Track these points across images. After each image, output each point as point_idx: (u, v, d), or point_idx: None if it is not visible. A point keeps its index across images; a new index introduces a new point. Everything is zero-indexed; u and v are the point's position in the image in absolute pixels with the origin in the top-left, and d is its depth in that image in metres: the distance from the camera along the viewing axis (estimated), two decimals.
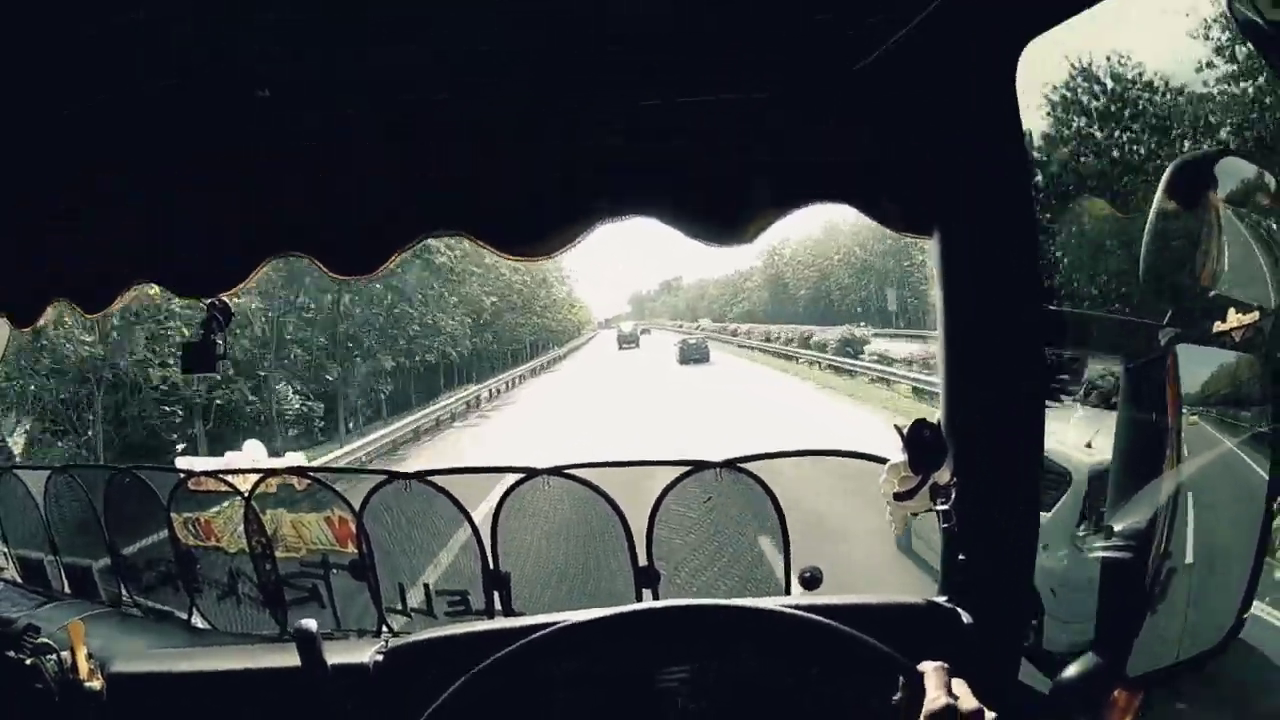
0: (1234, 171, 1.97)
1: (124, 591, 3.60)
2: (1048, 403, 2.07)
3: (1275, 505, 1.81)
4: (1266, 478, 1.80)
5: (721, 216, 2.20)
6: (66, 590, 3.63)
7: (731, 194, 2.18)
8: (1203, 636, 1.87)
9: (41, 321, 2.73)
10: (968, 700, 1.34)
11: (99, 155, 2.35)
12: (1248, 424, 1.89)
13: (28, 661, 2.34)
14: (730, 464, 2.88)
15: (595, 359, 51.75)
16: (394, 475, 3.28)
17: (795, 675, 1.80)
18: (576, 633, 1.68)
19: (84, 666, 2.35)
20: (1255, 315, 1.87)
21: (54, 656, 2.35)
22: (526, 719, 1.81)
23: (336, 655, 2.11)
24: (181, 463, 3.72)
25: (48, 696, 2.32)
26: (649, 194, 2.22)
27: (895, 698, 1.41)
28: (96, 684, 2.34)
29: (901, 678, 1.42)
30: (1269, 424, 1.81)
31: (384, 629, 3.18)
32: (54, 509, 3.69)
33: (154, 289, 2.83)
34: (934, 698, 1.34)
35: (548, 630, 1.66)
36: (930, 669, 1.38)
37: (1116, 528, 1.96)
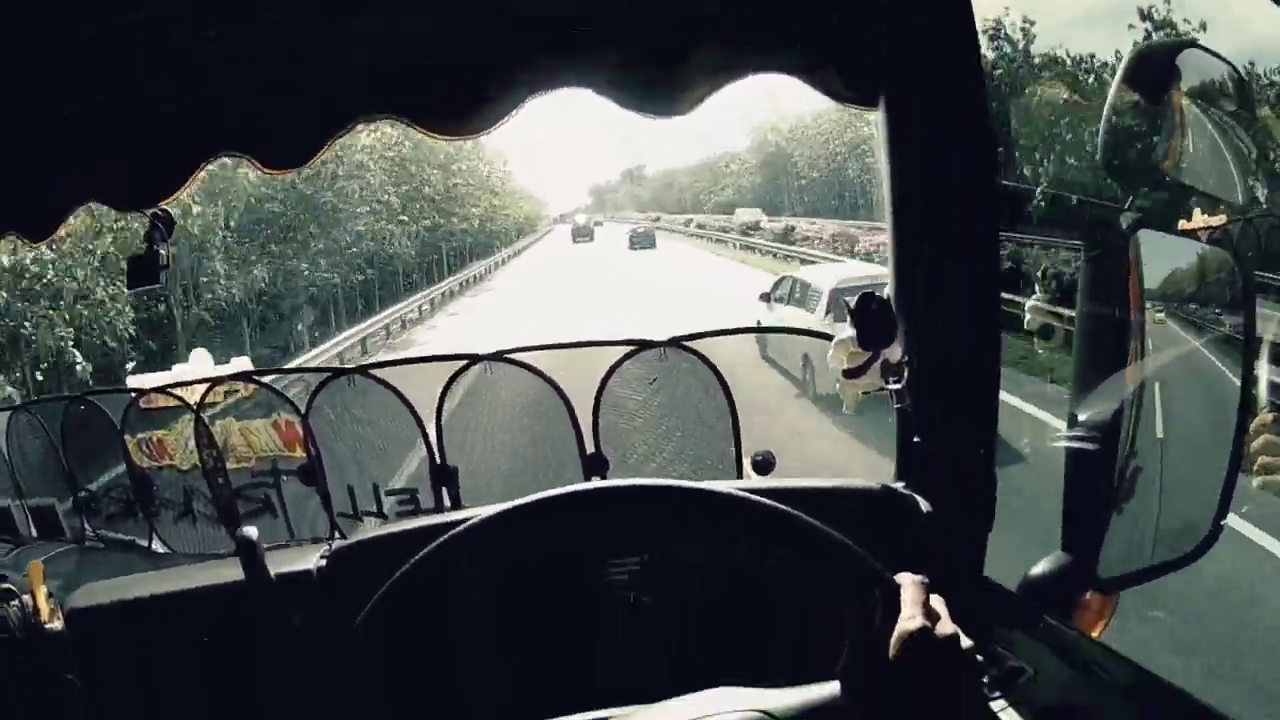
0: (1197, 64, 1.80)
1: (86, 526, 3.44)
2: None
3: (1249, 413, 1.60)
4: (1237, 383, 1.60)
5: (657, 86, 2.02)
6: (34, 534, 3.46)
7: (667, 62, 2.00)
8: (1176, 542, 1.69)
9: None
10: (945, 623, 1.13)
11: (27, 82, 2.13)
12: (1215, 326, 1.69)
13: None
14: (675, 342, 2.65)
15: (548, 255, 49.93)
16: (337, 371, 3.08)
17: (757, 567, 1.62)
18: (516, 517, 1.44)
19: (44, 608, 2.18)
20: (1222, 216, 1.77)
21: (17, 602, 2.17)
22: (470, 615, 1.67)
23: (283, 564, 1.97)
24: (132, 381, 3.64)
25: (11, 642, 2.15)
26: (582, 64, 2.04)
27: (874, 609, 1.19)
28: (57, 624, 2.16)
29: (874, 587, 1.21)
30: (1238, 329, 1.62)
31: (336, 534, 3.00)
32: (16, 450, 3.50)
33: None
34: (909, 616, 1.13)
35: (483, 516, 1.43)
36: (909, 581, 1.16)
37: (1081, 418, 1.77)
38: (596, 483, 2.27)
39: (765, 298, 15.99)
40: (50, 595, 2.18)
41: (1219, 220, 1.74)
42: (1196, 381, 1.75)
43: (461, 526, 1.43)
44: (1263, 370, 1.59)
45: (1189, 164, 1.75)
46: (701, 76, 1.99)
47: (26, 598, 2.16)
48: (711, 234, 47.43)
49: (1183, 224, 1.76)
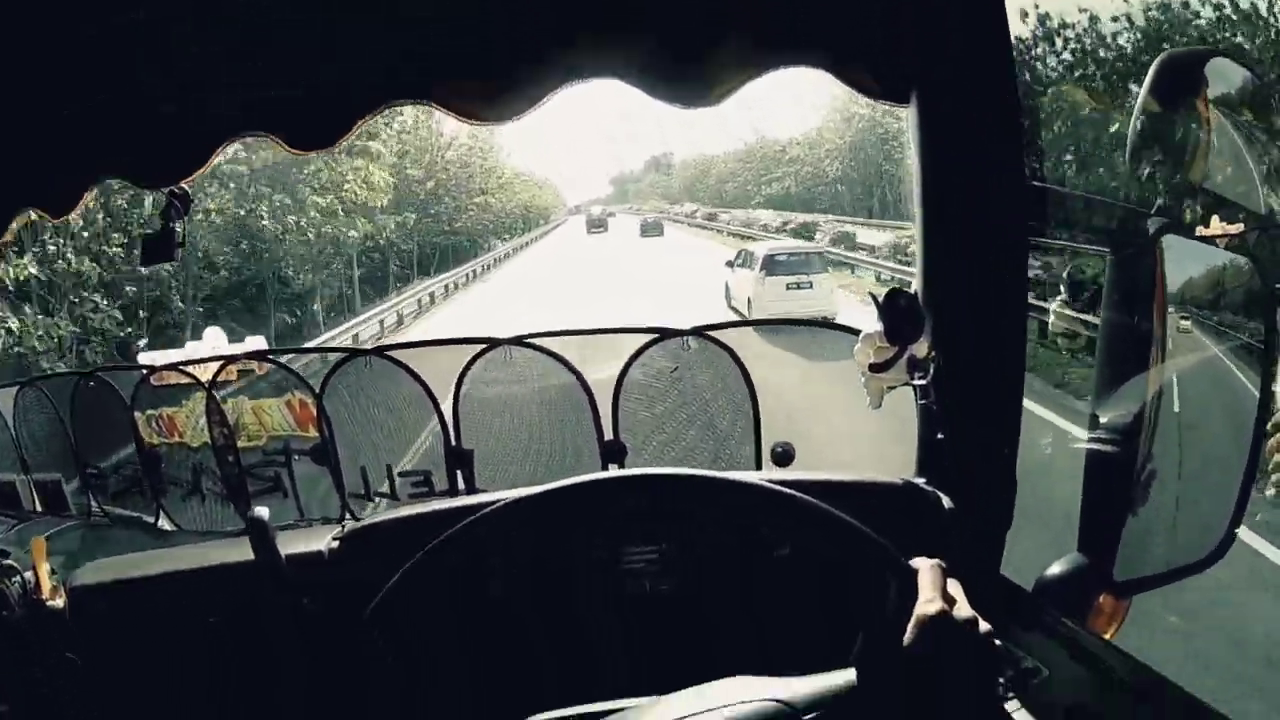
0: (1223, 73, 1.83)
1: (92, 502, 3.43)
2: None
3: (1268, 424, 1.66)
4: (1256, 393, 1.64)
5: (687, 77, 2.04)
6: (38, 509, 3.47)
7: (699, 55, 2.02)
8: (1190, 548, 1.73)
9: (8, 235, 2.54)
10: (963, 607, 1.15)
11: (46, 57, 2.14)
12: (1236, 334, 1.73)
13: None
14: (698, 331, 2.67)
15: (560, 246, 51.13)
16: (354, 352, 3.11)
17: (788, 552, 1.71)
18: (535, 505, 1.48)
19: (46, 584, 2.20)
20: (1240, 225, 1.77)
21: (18, 578, 2.19)
22: (487, 601, 1.72)
23: (294, 544, 2.03)
24: (144, 358, 3.61)
25: (11, 619, 2.16)
26: (613, 54, 2.05)
27: (890, 595, 1.22)
28: (59, 601, 2.19)
29: (891, 573, 1.23)
30: (1258, 338, 1.66)
31: (347, 516, 2.99)
32: (23, 426, 3.48)
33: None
34: (927, 599, 1.15)
35: (502, 503, 1.47)
36: (926, 566, 1.19)
37: (1102, 420, 1.82)
38: (622, 471, 2.28)
39: (729, 264, 23.21)
40: (53, 572, 2.21)
41: (1237, 228, 1.75)
42: (1216, 388, 1.78)
43: (481, 513, 1.46)
44: None
45: (1212, 171, 1.77)
46: (733, 69, 2.00)
47: (28, 574, 2.18)
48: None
49: (1200, 230, 1.77)
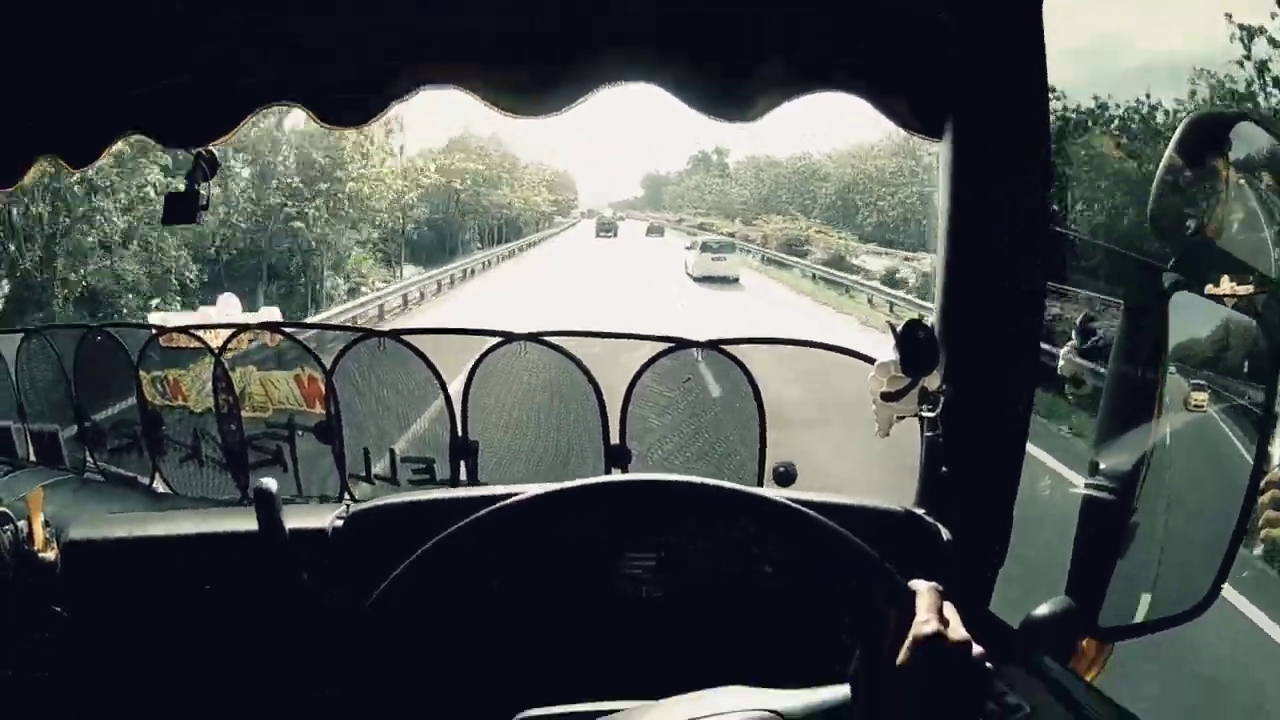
0: (1249, 137, 1.85)
1: (89, 457, 3.50)
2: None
3: (1260, 484, 1.75)
4: (1249, 457, 1.69)
5: (731, 91, 2.09)
6: (32, 458, 3.54)
7: (740, 71, 2.07)
8: (1175, 600, 1.77)
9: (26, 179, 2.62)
10: (957, 629, 1.20)
11: (79, 6, 2.19)
12: (1237, 395, 1.78)
13: None
14: (713, 344, 2.73)
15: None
16: (369, 333, 3.19)
17: (772, 571, 1.71)
18: (545, 503, 1.57)
19: (39, 535, 2.24)
20: (1251, 288, 1.76)
21: (10, 526, 2.24)
22: (486, 593, 1.73)
23: (296, 520, 2.05)
24: (154, 318, 3.71)
25: (2, 568, 2.21)
26: (659, 59, 2.10)
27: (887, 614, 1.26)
28: (51, 554, 2.24)
29: (889, 592, 1.28)
30: (1257, 402, 1.70)
31: (346, 496, 3.07)
32: (25, 374, 3.56)
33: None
34: (924, 620, 1.20)
35: (515, 499, 1.55)
36: (924, 589, 1.24)
37: (1101, 467, 1.86)
38: (630, 475, 2.36)
39: (686, 249, 37.35)
40: (46, 524, 2.25)
41: (1247, 290, 1.77)
42: (1213, 445, 1.81)
43: (487, 510, 1.54)
44: (1277, 444, 1.67)
45: (1230, 232, 1.81)
46: (772, 88, 2.07)
47: (21, 524, 2.23)
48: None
49: (1210, 289, 1.80)
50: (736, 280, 33.55)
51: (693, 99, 2.09)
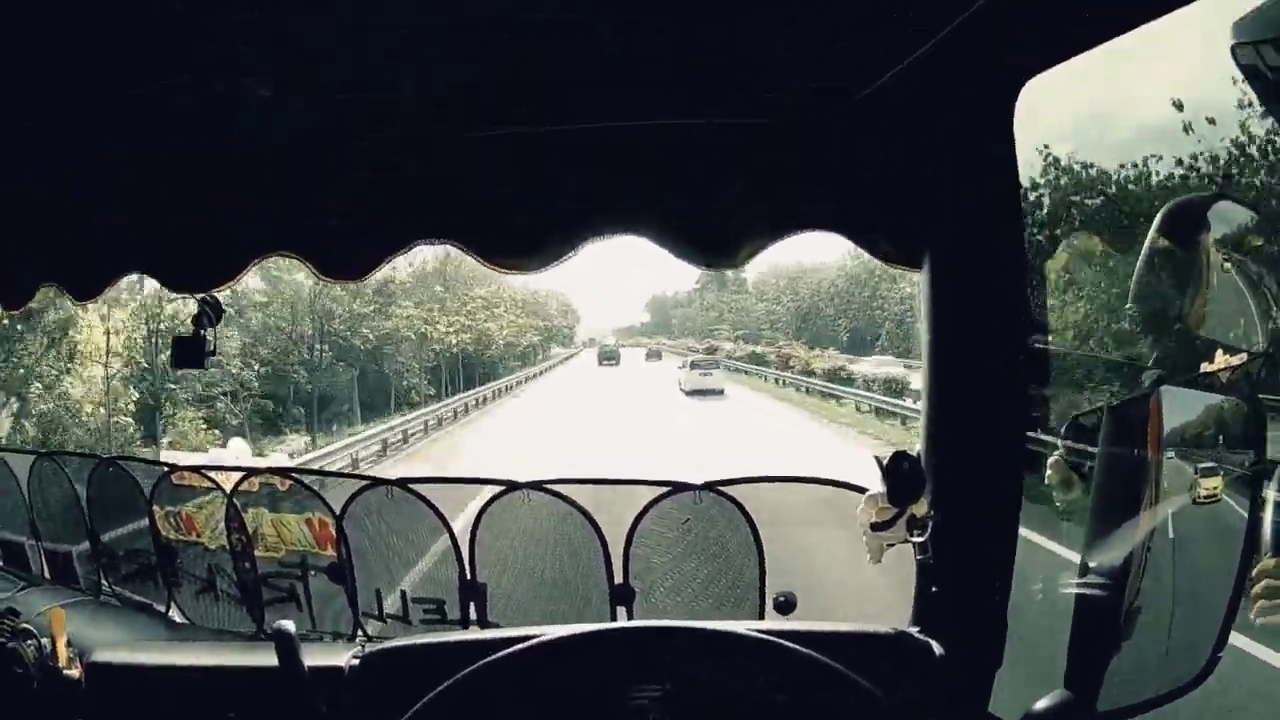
0: (1227, 215, 1.97)
1: (103, 580, 3.56)
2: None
3: (1255, 548, 1.78)
4: (1246, 520, 1.78)
5: (712, 240, 2.23)
6: (46, 575, 3.61)
7: (723, 218, 2.20)
8: (1175, 674, 1.84)
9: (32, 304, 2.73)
10: None
11: (95, 146, 2.35)
12: (1229, 466, 1.85)
13: (8, 646, 2.33)
14: (710, 486, 2.86)
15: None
16: (376, 481, 3.28)
17: (771, 701, 1.79)
18: (553, 649, 1.69)
19: (63, 654, 2.33)
20: (1243, 357, 1.86)
21: (34, 642, 2.33)
22: None
23: (312, 657, 2.12)
24: (166, 456, 3.73)
25: (27, 681, 2.30)
26: (640, 213, 2.24)
27: None
28: (75, 672, 2.33)
29: None
30: (1249, 467, 1.79)
31: (359, 633, 3.15)
32: (37, 493, 3.65)
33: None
34: None
35: (525, 645, 1.67)
36: None
37: (1091, 564, 1.94)
38: (633, 623, 2.47)
39: (679, 368, 41.70)
40: (69, 644, 2.35)
41: (1239, 360, 1.84)
42: (1206, 520, 1.86)
43: (499, 654, 1.66)
44: (1269, 512, 1.75)
45: (1214, 313, 1.88)
46: (754, 234, 2.20)
47: (44, 641, 2.33)
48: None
49: (1205, 366, 1.86)
50: (721, 392, 37.32)
51: (679, 250, 2.22)
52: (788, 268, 52.07)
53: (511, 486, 3.02)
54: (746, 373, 43.48)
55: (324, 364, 30.54)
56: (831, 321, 46.65)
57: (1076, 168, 16.84)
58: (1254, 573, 1.74)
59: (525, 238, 2.29)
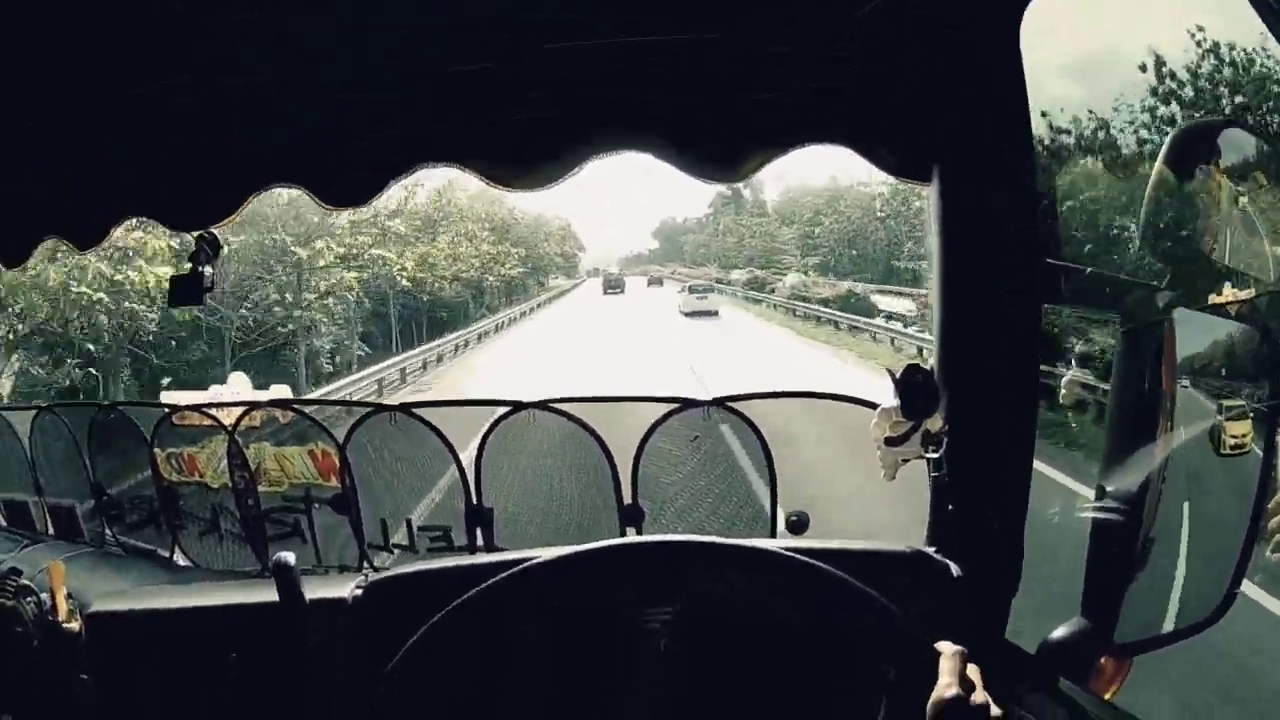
0: (1237, 143, 1.92)
1: (107, 531, 3.54)
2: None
3: (1270, 486, 1.74)
4: (1260, 455, 1.73)
5: (717, 154, 2.18)
6: (50, 532, 3.58)
7: (727, 131, 2.16)
8: (1192, 610, 1.83)
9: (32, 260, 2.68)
10: (979, 694, 1.28)
11: (86, 90, 2.27)
12: (1242, 400, 1.81)
13: (9, 605, 2.29)
14: (719, 402, 2.81)
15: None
16: (380, 407, 3.23)
17: (786, 621, 1.73)
18: (555, 568, 1.65)
19: (63, 607, 2.31)
20: (1251, 291, 1.83)
21: (34, 599, 2.30)
22: (505, 655, 1.77)
23: (316, 590, 2.11)
24: (166, 397, 3.68)
25: (27, 639, 2.27)
26: (643, 128, 2.20)
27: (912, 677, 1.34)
28: (75, 625, 2.30)
29: (914, 654, 1.36)
30: (1263, 402, 1.75)
31: (365, 565, 3.14)
32: (39, 449, 3.61)
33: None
34: (946, 684, 1.28)
35: (526, 564, 1.63)
36: (949, 652, 1.31)
37: (1109, 489, 1.91)
38: (647, 537, 2.39)
39: (679, 292, 43.93)
40: (69, 596, 2.32)
41: (1248, 294, 1.81)
42: (1220, 453, 1.83)
43: (515, 569, 1.61)
44: None
45: (1226, 241, 1.86)
46: (757, 147, 2.16)
47: (44, 595, 2.29)
48: None
49: (1213, 298, 1.84)
50: (716, 313, 39.51)
51: (683, 164, 2.17)
52: (818, 188, 44.93)
53: (517, 407, 2.98)
54: (749, 299, 43.09)
55: None
56: (884, 245, 39.60)
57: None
58: (1269, 509, 1.70)
59: (528, 156, 2.24)
